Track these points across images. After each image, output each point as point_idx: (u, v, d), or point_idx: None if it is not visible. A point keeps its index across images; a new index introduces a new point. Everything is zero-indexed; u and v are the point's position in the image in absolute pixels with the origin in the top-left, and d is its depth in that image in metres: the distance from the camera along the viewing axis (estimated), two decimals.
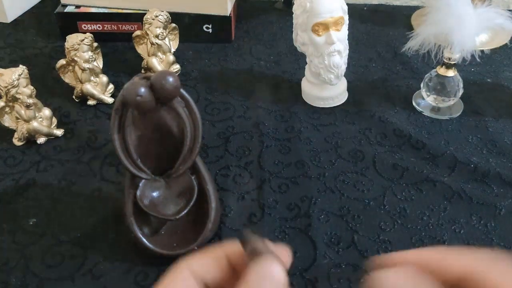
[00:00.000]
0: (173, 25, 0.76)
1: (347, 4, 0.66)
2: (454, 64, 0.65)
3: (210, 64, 0.81)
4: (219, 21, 0.84)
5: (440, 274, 0.25)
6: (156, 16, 0.73)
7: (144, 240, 0.49)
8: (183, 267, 0.28)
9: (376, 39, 0.86)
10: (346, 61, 0.68)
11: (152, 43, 0.74)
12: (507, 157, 0.61)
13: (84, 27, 0.86)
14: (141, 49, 0.76)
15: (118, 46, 0.84)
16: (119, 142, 0.45)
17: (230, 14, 0.84)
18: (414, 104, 0.70)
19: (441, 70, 0.66)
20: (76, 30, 0.85)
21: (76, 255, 0.51)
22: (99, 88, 0.72)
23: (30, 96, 0.63)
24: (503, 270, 0.24)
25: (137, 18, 0.82)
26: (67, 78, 0.72)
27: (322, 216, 0.54)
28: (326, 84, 0.68)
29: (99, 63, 0.72)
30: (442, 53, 0.63)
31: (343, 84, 0.71)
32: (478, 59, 0.64)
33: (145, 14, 0.74)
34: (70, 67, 0.71)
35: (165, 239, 0.50)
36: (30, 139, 0.65)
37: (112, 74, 0.75)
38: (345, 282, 0.48)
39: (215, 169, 0.60)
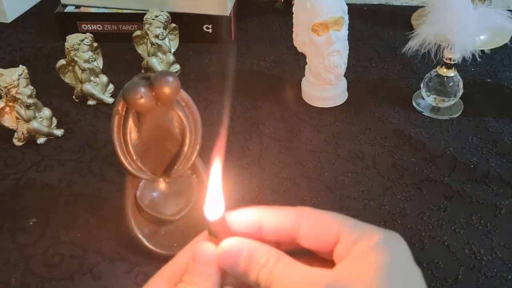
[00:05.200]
0: (173, 25, 0.76)
1: (347, 4, 0.66)
2: (454, 64, 0.65)
3: (210, 64, 0.81)
4: (219, 21, 0.84)
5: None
6: (156, 16, 0.73)
7: (144, 240, 0.49)
8: (156, 278, 0.29)
9: (376, 39, 0.86)
10: (346, 61, 0.68)
11: (152, 43, 0.74)
12: (507, 157, 0.61)
13: (84, 27, 0.86)
14: (141, 49, 0.76)
15: (118, 46, 0.84)
16: (119, 142, 0.45)
17: (230, 14, 0.84)
18: (414, 104, 0.70)
19: (441, 70, 0.66)
20: (76, 30, 0.85)
21: (76, 255, 0.51)
22: (99, 88, 0.72)
23: (30, 96, 0.63)
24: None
25: (137, 18, 0.82)
26: (67, 78, 0.72)
27: None
28: (326, 84, 0.68)
29: (99, 63, 0.72)
30: (442, 53, 0.63)
31: (343, 84, 0.71)
32: (478, 59, 0.64)
33: (145, 14, 0.74)
34: (70, 67, 0.71)
35: (165, 239, 0.50)
36: (30, 139, 0.65)
37: (112, 74, 0.75)
38: None
39: None
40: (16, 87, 0.61)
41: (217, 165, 0.31)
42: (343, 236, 0.28)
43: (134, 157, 0.46)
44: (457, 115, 0.68)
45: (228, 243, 0.29)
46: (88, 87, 0.71)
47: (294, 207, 0.30)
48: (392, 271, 0.26)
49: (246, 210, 0.31)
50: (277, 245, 0.31)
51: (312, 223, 0.29)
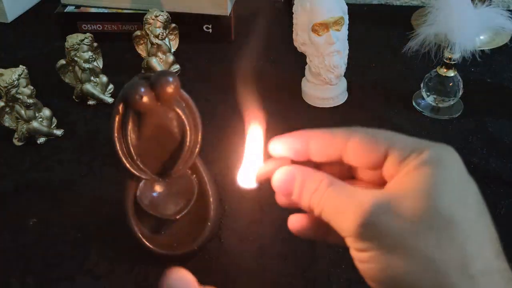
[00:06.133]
0: (173, 25, 0.76)
1: (347, 4, 0.66)
2: (454, 64, 0.65)
3: (210, 64, 0.81)
4: (219, 21, 0.84)
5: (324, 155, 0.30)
6: (156, 16, 0.73)
7: (144, 240, 0.49)
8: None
9: (376, 39, 0.86)
10: (346, 61, 0.68)
11: (152, 43, 0.74)
12: (507, 157, 0.61)
13: (84, 27, 0.86)
14: (141, 49, 0.76)
15: (118, 46, 0.84)
16: (119, 142, 0.45)
17: (230, 14, 0.84)
18: (414, 104, 0.70)
19: (441, 70, 0.66)
20: (76, 30, 0.85)
21: (76, 255, 0.51)
22: (99, 88, 0.72)
23: (30, 96, 0.63)
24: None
25: (137, 18, 0.82)
26: (67, 78, 0.72)
27: None
28: (326, 84, 0.68)
29: (99, 63, 0.72)
30: (442, 53, 0.63)
31: (343, 84, 0.71)
32: (478, 59, 0.64)
33: (145, 14, 0.74)
34: (70, 67, 0.71)
35: (165, 239, 0.50)
36: (30, 139, 0.65)
37: (112, 74, 0.75)
38: (345, 282, 0.48)
39: (215, 169, 0.60)
40: (16, 87, 0.61)
41: (256, 132, 0.33)
42: (392, 152, 0.28)
43: (134, 157, 0.46)
44: (457, 115, 0.68)
45: (281, 171, 0.31)
46: (88, 87, 0.71)
47: (341, 128, 0.30)
48: (442, 187, 0.26)
49: (292, 135, 0.32)
50: (325, 167, 0.31)
51: (361, 139, 0.29)
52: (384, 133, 0.29)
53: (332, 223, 0.28)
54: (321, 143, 0.30)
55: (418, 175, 0.26)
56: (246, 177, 0.31)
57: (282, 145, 0.32)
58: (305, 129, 0.31)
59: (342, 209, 0.27)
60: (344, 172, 0.32)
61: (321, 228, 0.31)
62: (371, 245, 0.26)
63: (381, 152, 0.28)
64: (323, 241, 0.33)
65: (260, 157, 0.32)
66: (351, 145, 0.29)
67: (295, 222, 0.33)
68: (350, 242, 0.27)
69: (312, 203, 0.29)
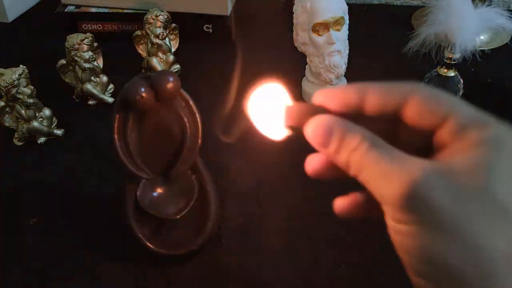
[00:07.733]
0: (173, 25, 0.76)
1: (347, 4, 0.66)
2: (455, 64, 0.65)
3: (210, 64, 0.81)
4: (219, 21, 0.84)
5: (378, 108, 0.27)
6: (157, 16, 0.73)
7: (144, 240, 0.49)
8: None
9: (376, 39, 0.86)
10: (346, 61, 0.68)
11: (152, 43, 0.74)
12: None
13: (84, 27, 0.86)
14: (141, 49, 0.76)
15: (118, 46, 0.84)
16: (120, 142, 0.45)
17: (230, 14, 0.84)
18: None
19: (441, 70, 0.66)
20: (76, 30, 0.85)
21: (76, 255, 0.51)
22: (99, 88, 0.72)
23: (30, 96, 0.63)
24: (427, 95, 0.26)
25: (137, 18, 0.82)
26: (67, 78, 0.72)
27: (322, 216, 0.54)
28: (327, 84, 0.68)
29: (99, 63, 0.72)
30: (442, 53, 0.63)
31: (343, 84, 0.71)
32: (478, 59, 0.64)
33: (145, 14, 0.74)
34: (70, 67, 0.71)
35: (166, 239, 0.50)
36: (30, 139, 0.65)
37: (112, 74, 0.75)
38: (345, 282, 0.48)
39: (215, 169, 0.60)
40: (16, 87, 0.61)
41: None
42: (452, 118, 0.26)
43: (134, 157, 0.46)
44: None
45: (319, 120, 0.28)
46: (88, 87, 0.71)
47: (404, 83, 0.28)
48: (502, 175, 0.24)
49: (346, 86, 0.28)
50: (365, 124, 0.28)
51: (426, 97, 0.27)
52: (448, 96, 0.27)
53: (371, 186, 0.25)
54: (380, 93, 0.27)
55: (478, 153, 0.24)
56: (273, 126, 0.28)
57: (332, 94, 0.28)
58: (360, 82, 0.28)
59: (386, 173, 0.24)
60: (384, 133, 0.28)
61: (337, 168, 0.28)
62: (414, 218, 0.24)
63: (441, 115, 0.26)
64: (339, 180, 0.29)
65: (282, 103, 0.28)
66: (414, 100, 0.27)
67: (313, 162, 0.30)
68: (389, 211, 0.25)
69: (351, 161, 0.26)
